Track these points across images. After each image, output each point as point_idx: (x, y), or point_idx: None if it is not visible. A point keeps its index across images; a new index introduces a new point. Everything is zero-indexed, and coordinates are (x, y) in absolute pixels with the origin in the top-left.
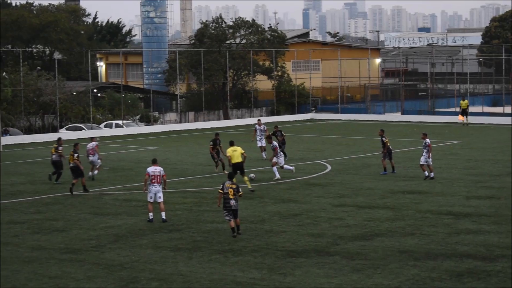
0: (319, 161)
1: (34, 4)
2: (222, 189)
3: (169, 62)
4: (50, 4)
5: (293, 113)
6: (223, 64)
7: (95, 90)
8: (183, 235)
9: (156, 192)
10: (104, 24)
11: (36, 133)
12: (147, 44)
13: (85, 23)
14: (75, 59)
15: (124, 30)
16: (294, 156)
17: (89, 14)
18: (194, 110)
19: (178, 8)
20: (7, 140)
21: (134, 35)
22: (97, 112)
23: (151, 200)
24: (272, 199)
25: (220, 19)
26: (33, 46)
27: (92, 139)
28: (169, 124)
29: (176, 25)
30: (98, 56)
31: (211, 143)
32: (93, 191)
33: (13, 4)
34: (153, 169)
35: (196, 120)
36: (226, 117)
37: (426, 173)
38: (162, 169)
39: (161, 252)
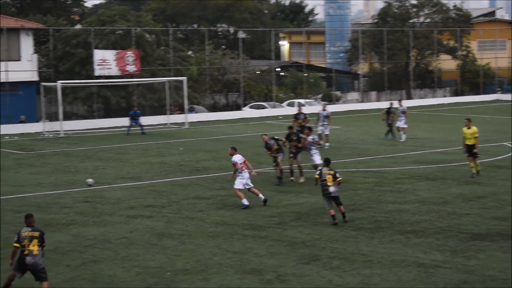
0: (505, 143)
1: None
2: (319, 174)
3: (352, 41)
4: None
5: (477, 93)
6: (406, 44)
7: (278, 69)
8: (364, 214)
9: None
10: (287, 3)
11: (220, 111)
12: (330, 23)
13: (269, 2)
14: (259, 38)
15: (307, 9)
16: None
17: None
18: (376, 89)
19: None
20: (193, 117)
21: (317, 14)
22: (279, 90)
23: (242, 187)
24: (455, 181)
25: None
26: (218, 25)
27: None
28: (351, 104)
29: (359, 4)
30: (281, 35)
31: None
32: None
33: None
34: (239, 157)
35: (378, 100)
36: (409, 97)
37: None
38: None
39: (343, 231)
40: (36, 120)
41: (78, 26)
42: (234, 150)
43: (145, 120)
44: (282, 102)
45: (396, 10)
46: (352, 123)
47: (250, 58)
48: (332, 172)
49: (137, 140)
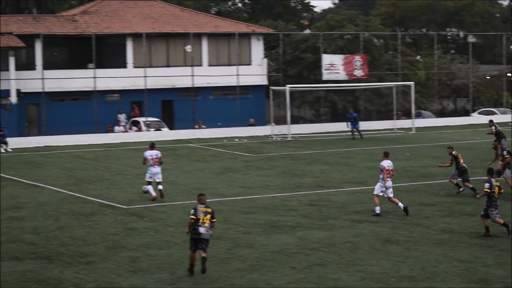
0: None
1: None
2: (489, 188)
3: None
4: None
5: None
6: None
7: (509, 74)
8: None
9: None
10: None
11: (448, 116)
12: None
13: (501, 5)
14: (490, 43)
15: None
16: None
17: None
18: None
19: None
20: (420, 122)
21: None
22: (510, 96)
23: (381, 194)
24: None
25: None
26: (447, 29)
27: None
28: None
29: None
30: None
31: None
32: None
33: None
34: (387, 163)
35: None
36: None
37: None
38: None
39: None
40: (265, 123)
41: (307, 31)
42: (386, 156)
43: (371, 125)
44: None
45: None
46: None
47: (480, 63)
48: (498, 184)
49: (363, 144)
